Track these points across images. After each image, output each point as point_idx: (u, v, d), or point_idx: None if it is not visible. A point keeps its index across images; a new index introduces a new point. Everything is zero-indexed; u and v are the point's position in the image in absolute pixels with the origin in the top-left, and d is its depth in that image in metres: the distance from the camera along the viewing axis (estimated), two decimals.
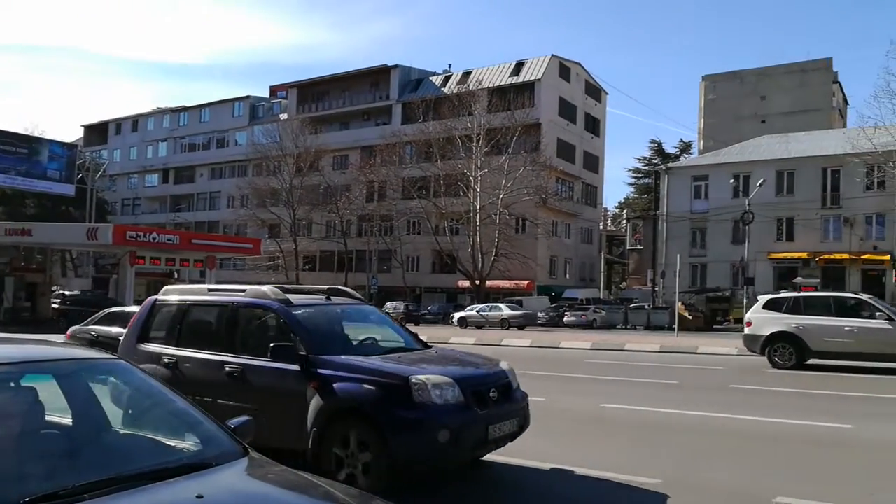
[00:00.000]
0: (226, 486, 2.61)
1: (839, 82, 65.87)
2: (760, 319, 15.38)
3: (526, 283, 48.40)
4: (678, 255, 31.76)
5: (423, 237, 50.93)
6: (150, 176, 77.07)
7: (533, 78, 53.01)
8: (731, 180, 41.43)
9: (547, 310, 40.98)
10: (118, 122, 79.45)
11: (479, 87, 48.58)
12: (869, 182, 37.16)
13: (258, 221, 56.23)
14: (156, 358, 6.45)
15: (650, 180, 60.56)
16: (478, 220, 42.74)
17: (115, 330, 11.62)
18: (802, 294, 17.07)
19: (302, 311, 6.11)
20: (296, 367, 5.48)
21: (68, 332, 13.28)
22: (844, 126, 56.77)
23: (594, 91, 61.24)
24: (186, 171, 74.02)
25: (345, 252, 54.12)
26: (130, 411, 3.27)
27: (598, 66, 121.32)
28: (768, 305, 15.58)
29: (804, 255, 39.57)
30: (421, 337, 6.92)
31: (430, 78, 59.62)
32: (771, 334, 14.90)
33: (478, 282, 43.40)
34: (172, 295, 7.05)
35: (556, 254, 53.68)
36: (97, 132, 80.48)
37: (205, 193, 72.42)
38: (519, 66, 54.80)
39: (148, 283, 43.61)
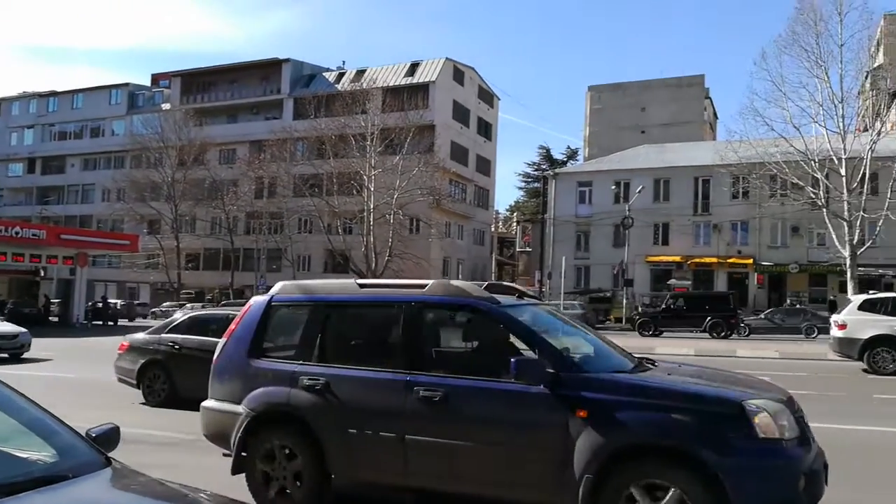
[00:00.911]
0: (82, 500, 2.39)
1: (710, 98, 71.00)
2: (857, 322, 14.09)
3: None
4: (564, 258, 33.18)
5: (314, 236, 49.99)
6: (13, 165, 70.96)
7: (427, 80, 53.38)
8: (613, 187, 43.62)
9: None
10: None
11: (374, 85, 48.29)
12: (735, 192, 40.20)
13: (136, 216, 53.13)
14: (288, 378, 4.93)
15: (539, 185, 62.61)
16: (371, 219, 42.46)
17: (208, 340, 9.65)
18: None
19: (526, 313, 4.87)
20: (541, 389, 4.18)
21: (125, 341, 10.95)
22: (714, 139, 61.22)
23: (487, 96, 62.51)
24: (56, 160, 68.77)
25: (231, 250, 52.17)
26: None
27: (490, 72, 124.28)
28: (865, 307, 14.38)
29: (678, 258, 42.30)
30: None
31: (324, 74, 58.70)
32: (871, 338, 13.79)
33: None
34: (298, 293, 5.49)
35: (450, 254, 54.32)
36: None
37: (76, 185, 67.61)
38: (414, 67, 55.00)
39: (10, 281, 40.23)
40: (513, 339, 4.90)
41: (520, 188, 76.55)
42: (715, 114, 75.03)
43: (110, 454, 2.77)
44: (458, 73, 56.95)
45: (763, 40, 76.82)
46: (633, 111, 64.85)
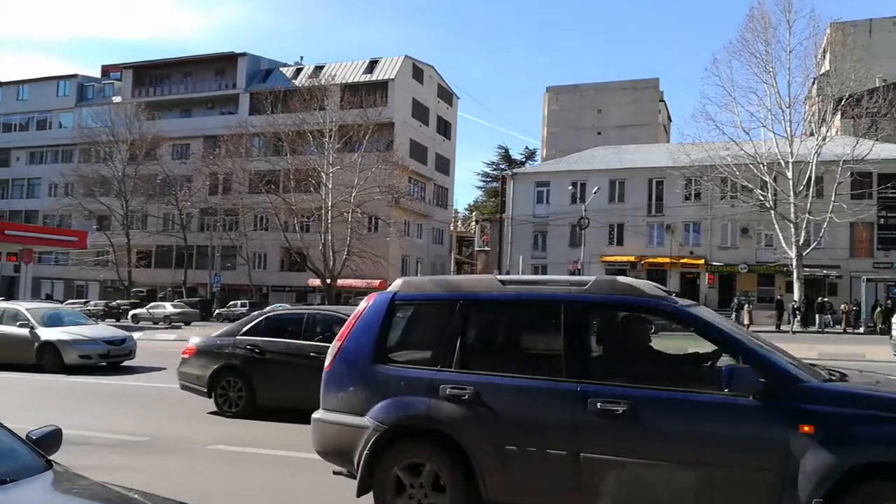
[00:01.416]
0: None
1: (665, 101, 72.49)
2: None
3: (378, 282, 48.30)
4: (521, 257, 33.41)
5: (271, 233, 49.27)
6: None
7: (386, 77, 53.14)
8: (570, 187, 44.16)
9: None
10: None
11: (332, 82, 47.84)
12: (687, 193, 41.09)
13: (85, 212, 51.57)
14: (425, 387, 4.39)
15: (498, 185, 62.98)
16: (329, 217, 42.06)
17: (294, 343, 9.07)
18: None
19: (707, 315, 4.39)
20: (751, 401, 3.76)
21: (191, 345, 9.92)
22: (668, 141, 62.53)
23: (446, 95, 62.56)
24: (0, 154, 66.22)
25: (184, 247, 51.12)
26: None
27: (449, 71, 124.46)
28: None
29: (632, 258, 43.03)
30: None
31: (281, 69, 57.92)
32: None
33: (329, 281, 42.77)
34: (425, 290, 4.97)
35: (408, 253, 54.19)
36: None
37: (21, 179, 65.24)
38: (373, 65, 54.72)
39: None
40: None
41: (479, 188, 76.93)
42: (669, 117, 76.65)
43: (52, 457, 2.67)
44: (418, 72, 56.86)
45: (716, 45, 78.83)
46: (589, 113, 65.77)
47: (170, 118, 57.48)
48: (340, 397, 4.72)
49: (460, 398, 4.28)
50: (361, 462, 4.43)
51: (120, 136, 50.70)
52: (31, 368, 13.86)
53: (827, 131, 31.53)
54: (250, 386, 9.11)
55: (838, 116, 34.47)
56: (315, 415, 4.85)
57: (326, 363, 4.88)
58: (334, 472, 4.84)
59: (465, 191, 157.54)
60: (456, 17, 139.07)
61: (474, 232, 66.06)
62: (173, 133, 55.16)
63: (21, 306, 15.65)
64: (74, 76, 64.34)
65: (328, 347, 8.23)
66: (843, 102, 31.90)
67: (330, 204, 42.10)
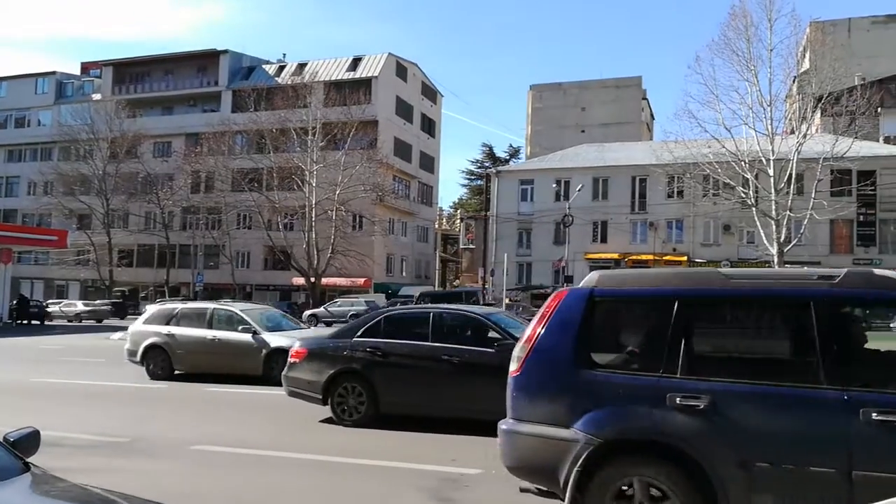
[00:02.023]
0: None
1: (647, 99, 72.96)
2: None
3: (363, 280, 48.32)
4: (506, 255, 33.43)
5: (254, 232, 48.97)
6: None
7: (370, 74, 52.96)
8: (554, 185, 44.28)
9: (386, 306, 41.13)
10: None
11: (315, 79, 47.62)
12: (670, 191, 41.32)
13: (65, 211, 51.02)
14: (649, 395, 3.92)
15: (482, 182, 63.06)
16: (313, 215, 41.87)
17: (422, 345, 8.25)
18: None
19: None
20: None
21: (299, 347, 8.93)
22: (651, 138, 62.91)
23: (430, 92, 62.47)
24: None
25: (167, 246, 50.69)
26: None
27: (433, 69, 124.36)
28: None
29: (616, 255, 43.25)
30: None
31: (264, 66, 57.55)
32: None
33: (313, 279, 42.59)
34: (631, 285, 4.48)
35: (393, 251, 54.11)
36: None
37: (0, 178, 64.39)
38: (356, 62, 54.51)
39: None
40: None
41: (463, 185, 77.17)
42: (652, 115, 77.17)
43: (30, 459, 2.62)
44: (401, 69, 56.72)
45: (699, 44, 79.41)
46: (573, 111, 66.02)
47: (151, 116, 56.99)
48: (536, 406, 4.26)
49: (695, 408, 3.80)
50: (570, 481, 3.95)
51: (100, 133, 50.22)
52: (253, 380, 11.85)
53: (807, 129, 31.79)
54: (372, 392, 8.28)
55: (818, 114, 34.74)
56: (503, 425, 4.39)
57: (513, 367, 4.38)
58: (521, 489, 4.39)
59: (450, 189, 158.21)
60: (440, 15, 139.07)
61: (459, 230, 66.17)
62: (154, 131, 54.72)
63: (234, 307, 13.76)
64: (53, 73, 63.53)
65: (463, 350, 8.10)
66: (822, 100, 32.18)
67: (314, 202, 41.91)
